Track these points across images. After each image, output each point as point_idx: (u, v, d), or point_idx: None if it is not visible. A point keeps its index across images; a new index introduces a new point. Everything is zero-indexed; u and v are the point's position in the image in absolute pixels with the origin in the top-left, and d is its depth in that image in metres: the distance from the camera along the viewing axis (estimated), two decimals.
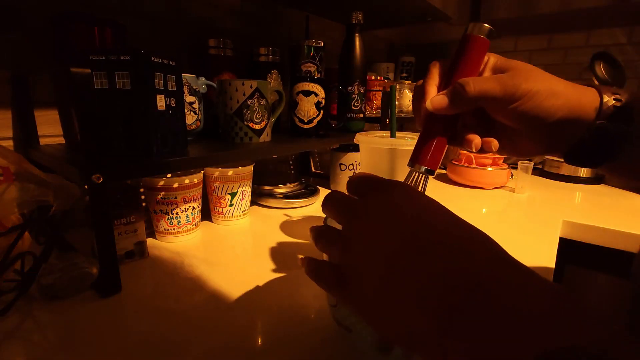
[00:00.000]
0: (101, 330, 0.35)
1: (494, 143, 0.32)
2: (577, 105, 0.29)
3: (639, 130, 0.29)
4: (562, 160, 1.16)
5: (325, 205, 0.27)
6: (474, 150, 0.32)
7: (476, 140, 0.31)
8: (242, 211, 0.66)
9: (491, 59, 0.31)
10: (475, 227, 0.21)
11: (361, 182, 0.27)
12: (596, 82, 0.97)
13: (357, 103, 0.82)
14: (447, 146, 0.32)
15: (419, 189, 0.31)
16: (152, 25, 0.65)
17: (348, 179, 0.28)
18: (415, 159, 0.31)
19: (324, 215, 0.34)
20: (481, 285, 0.18)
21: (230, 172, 0.62)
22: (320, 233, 0.27)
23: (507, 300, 0.17)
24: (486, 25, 0.30)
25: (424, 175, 0.31)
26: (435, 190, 0.91)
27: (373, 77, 1.03)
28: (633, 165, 0.31)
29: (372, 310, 0.22)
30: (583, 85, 0.31)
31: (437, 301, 0.19)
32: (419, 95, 0.32)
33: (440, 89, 0.31)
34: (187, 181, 0.56)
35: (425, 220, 0.22)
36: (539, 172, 1.10)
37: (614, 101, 0.29)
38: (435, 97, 0.30)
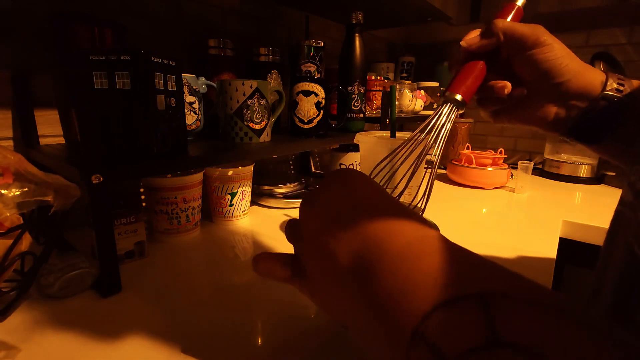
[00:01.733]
0: (101, 330, 0.35)
1: (508, 85, 0.36)
2: (585, 77, 0.33)
3: (635, 111, 0.32)
4: (562, 160, 1.16)
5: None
6: (505, 93, 0.36)
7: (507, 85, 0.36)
8: (242, 211, 0.66)
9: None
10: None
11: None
12: None
13: (357, 103, 0.82)
14: (480, 83, 0.35)
15: (443, 124, 0.33)
16: (152, 25, 0.65)
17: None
18: (450, 88, 0.33)
19: None
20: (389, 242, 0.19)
21: (230, 172, 0.62)
22: (287, 226, 0.28)
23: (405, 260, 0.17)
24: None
25: (453, 109, 0.33)
26: (436, 190, 0.91)
27: (373, 77, 1.03)
28: (627, 146, 0.33)
29: (318, 293, 0.24)
30: (591, 67, 0.34)
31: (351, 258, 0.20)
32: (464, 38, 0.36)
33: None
34: (187, 181, 0.55)
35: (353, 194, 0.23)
36: (539, 172, 1.10)
37: (616, 85, 0.32)
38: (469, 35, 0.35)
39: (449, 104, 0.33)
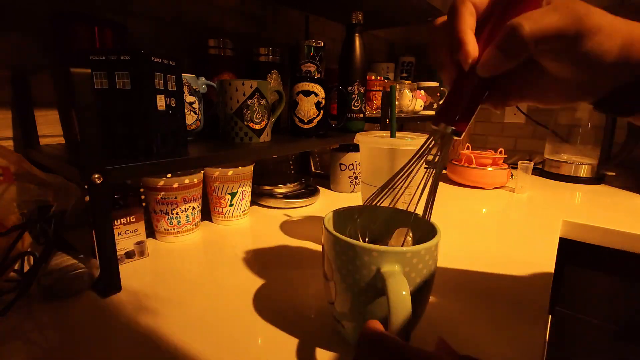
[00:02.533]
0: (101, 330, 0.35)
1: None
2: (630, 44, 0.23)
3: None
4: (562, 160, 1.15)
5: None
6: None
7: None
8: (242, 211, 0.66)
9: None
10: None
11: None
12: None
13: (357, 103, 0.82)
14: (480, 105, 0.27)
15: (438, 155, 0.27)
16: (152, 25, 0.65)
17: (363, 338, 0.23)
18: (442, 117, 0.26)
19: (323, 215, 0.34)
20: None
21: (230, 172, 0.62)
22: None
23: None
24: None
25: (448, 137, 0.27)
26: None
27: (373, 77, 1.03)
28: None
29: None
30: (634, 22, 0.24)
31: None
32: (450, 44, 0.25)
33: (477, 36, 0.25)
34: (187, 181, 0.55)
35: None
36: (539, 172, 1.10)
37: None
38: (485, 57, 0.24)
39: (439, 134, 0.27)
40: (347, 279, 0.29)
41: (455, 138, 0.27)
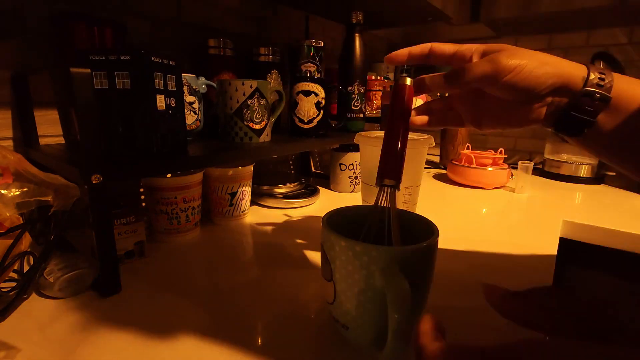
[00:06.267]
0: (101, 330, 0.35)
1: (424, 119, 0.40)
2: (567, 73, 0.32)
3: (617, 105, 0.31)
4: (562, 160, 1.15)
5: None
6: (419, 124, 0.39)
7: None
8: (242, 211, 0.66)
9: (479, 47, 0.35)
10: None
11: None
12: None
13: (357, 103, 0.82)
14: (404, 155, 0.32)
15: (390, 206, 0.31)
16: (152, 25, 0.65)
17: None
18: (382, 176, 0.31)
19: (322, 215, 0.34)
20: None
21: (230, 172, 0.62)
22: None
23: None
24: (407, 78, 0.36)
25: (392, 191, 0.31)
26: (436, 190, 0.91)
27: (373, 77, 1.03)
28: (606, 138, 0.33)
29: None
30: (570, 62, 0.33)
31: None
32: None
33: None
34: (187, 181, 0.55)
35: None
36: (539, 172, 1.10)
37: (598, 79, 0.31)
38: (434, 76, 0.35)
39: (385, 190, 0.31)
40: (347, 279, 0.29)
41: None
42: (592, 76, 0.31)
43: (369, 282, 0.28)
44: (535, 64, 0.31)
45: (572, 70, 0.32)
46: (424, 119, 0.40)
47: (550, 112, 0.34)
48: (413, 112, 0.39)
